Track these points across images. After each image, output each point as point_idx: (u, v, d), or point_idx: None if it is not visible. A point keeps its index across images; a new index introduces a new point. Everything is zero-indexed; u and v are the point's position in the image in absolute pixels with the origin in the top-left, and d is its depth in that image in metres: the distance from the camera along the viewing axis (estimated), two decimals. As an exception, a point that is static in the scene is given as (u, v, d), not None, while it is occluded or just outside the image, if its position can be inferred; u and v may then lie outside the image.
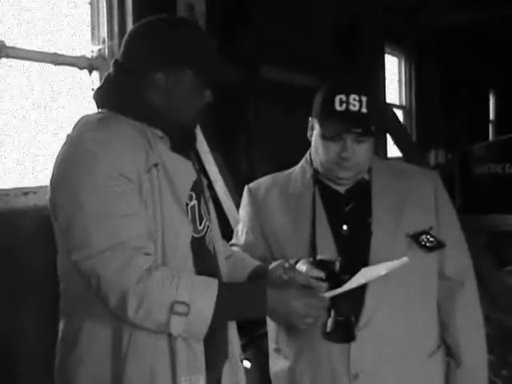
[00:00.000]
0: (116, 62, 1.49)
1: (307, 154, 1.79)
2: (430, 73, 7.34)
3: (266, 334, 1.88)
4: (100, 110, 1.47)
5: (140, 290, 1.29)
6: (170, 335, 1.35)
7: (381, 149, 5.61)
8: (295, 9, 4.27)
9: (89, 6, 2.77)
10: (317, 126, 1.67)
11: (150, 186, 1.36)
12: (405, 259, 1.48)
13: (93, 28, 2.79)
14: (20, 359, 2.25)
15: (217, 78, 1.53)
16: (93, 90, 2.51)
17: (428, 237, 1.66)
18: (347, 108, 1.60)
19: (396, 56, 6.88)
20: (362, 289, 1.55)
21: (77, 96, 2.66)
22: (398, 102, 6.91)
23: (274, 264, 1.59)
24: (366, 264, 1.59)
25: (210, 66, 1.49)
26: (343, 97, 1.60)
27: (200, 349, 1.39)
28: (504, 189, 5.94)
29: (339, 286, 1.47)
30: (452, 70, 8.00)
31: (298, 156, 1.85)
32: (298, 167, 1.82)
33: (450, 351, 1.75)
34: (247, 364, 2.43)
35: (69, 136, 1.40)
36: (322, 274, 1.50)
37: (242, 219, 1.84)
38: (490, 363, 1.79)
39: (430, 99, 7.39)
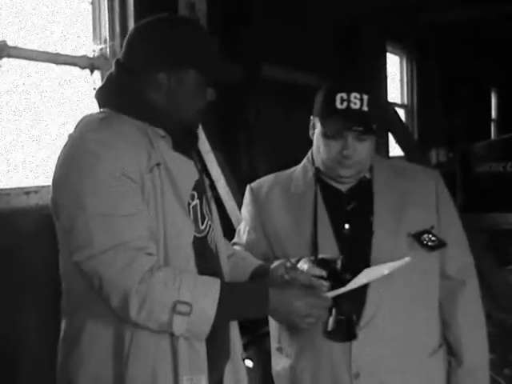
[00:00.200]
0: (118, 61, 1.49)
1: (309, 153, 1.79)
2: (431, 71, 7.33)
3: (267, 333, 1.88)
4: (102, 110, 1.47)
5: (142, 290, 1.29)
6: (172, 335, 1.35)
7: (382, 148, 5.61)
8: (295, 8, 4.27)
9: (90, 6, 2.78)
10: (318, 125, 1.67)
11: (152, 185, 1.36)
12: (407, 259, 1.48)
13: (94, 27, 2.79)
14: (22, 359, 2.26)
15: (219, 77, 1.53)
16: (94, 89, 2.52)
17: (429, 236, 1.66)
18: (348, 106, 1.60)
19: (397, 55, 6.88)
20: (363, 288, 1.55)
21: (78, 96, 2.67)
22: (399, 101, 6.90)
23: (275, 263, 1.59)
24: (367, 263, 1.59)
25: (212, 65, 1.49)
26: (344, 95, 1.60)
27: (202, 348, 1.39)
28: (505, 187, 5.92)
29: (341, 284, 1.47)
30: (453, 68, 8.00)
31: (299, 155, 1.85)
32: (299, 166, 1.82)
33: (451, 350, 1.75)
34: (249, 363, 2.44)
35: (71, 136, 1.40)
36: (323, 273, 1.50)
37: (244, 218, 1.85)
38: (491, 362, 1.79)
39: (432, 98, 7.38)
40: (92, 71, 2.69)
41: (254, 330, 2.49)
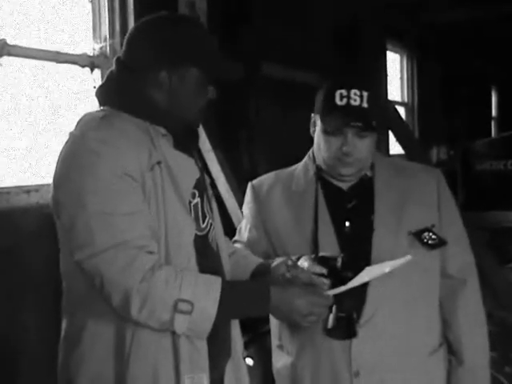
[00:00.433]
0: (118, 59, 1.49)
1: (310, 151, 1.79)
2: (431, 69, 7.32)
3: (268, 332, 1.88)
4: (102, 108, 1.46)
5: (143, 289, 1.29)
6: (173, 333, 1.35)
7: (383, 146, 5.60)
8: (295, 7, 4.27)
9: (90, 4, 2.77)
10: (318, 122, 1.67)
11: (153, 184, 1.36)
12: (408, 257, 1.48)
13: (94, 26, 2.79)
14: (22, 359, 2.26)
15: (220, 75, 1.53)
16: (94, 87, 2.51)
17: (430, 234, 1.65)
18: (348, 102, 1.60)
19: (398, 53, 6.87)
20: (363, 286, 1.55)
21: (78, 94, 2.66)
22: (399, 99, 6.90)
23: (276, 262, 1.59)
24: (368, 261, 1.59)
25: (213, 63, 1.49)
26: (344, 92, 1.61)
27: (203, 347, 1.39)
28: (506, 185, 5.92)
29: (341, 282, 1.47)
30: (454, 66, 7.99)
31: (299, 153, 1.85)
32: (301, 164, 1.82)
33: (451, 349, 1.74)
34: (249, 361, 2.44)
35: (71, 134, 1.39)
36: (323, 271, 1.50)
37: (245, 216, 1.85)
38: (492, 360, 1.79)
39: (432, 96, 7.38)
40: (92, 69, 2.69)
41: (254, 329, 2.49)
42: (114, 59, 1.50)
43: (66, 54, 2.59)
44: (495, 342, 1.93)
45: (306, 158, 1.81)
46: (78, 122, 1.41)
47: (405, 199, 1.69)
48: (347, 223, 1.67)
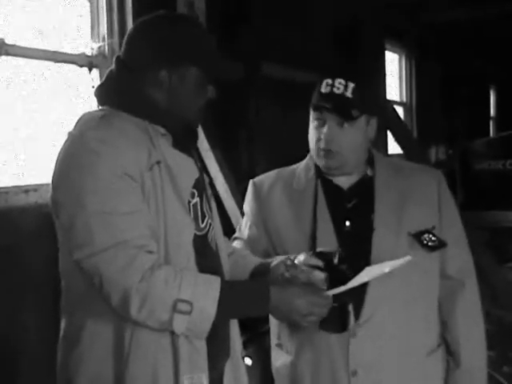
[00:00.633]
0: (118, 59, 1.48)
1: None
2: (430, 69, 7.33)
3: (266, 332, 1.88)
4: (102, 107, 1.46)
5: (143, 288, 1.29)
6: (172, 333, 1.35)
7: (382, 146, 5.60)
8: (295, 7, 4.26)
9: (88, 4, 2.77)
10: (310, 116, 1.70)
11: (153, 183, 1.36)
12: (408, 258, 1.48)
13: (93, 25, 2.79)
14: (21, 358, 2.25)
15: (219, 74, 1.53)
16: (93, 87, 2.51)
17: (430, 236, 1.65)
18: (331, 90, 1.63)
19: (396, 53, 6.88)
20: (363, 286, 1.55)
21: (77, 94, 2.66)
22: (398, 99, 6.90)
23: (275, 262, 1.59)
24: (367, 261, 1.59)
25: (213, 62, 1.49)
26: (329, 80, 1.65)
27: (202, 347, 1.39)
28: (505, 185, 5.93)
29: (338, 276, 1.47)
30: (452, 66, 7.99)
31: (298, 153, 1.85)
32: (303, 163, 1.82)
33: (449, 350, 1.74)
34: (248, 361, 2.44)
35: (70, 134, 1.39)
36: (320, 263, 1.50)
37: (245, 213, 1.85)
38: (490, 360, 1.79)
39: (431, 96, 7.38)
40: (90, 69, 2.69)
41: (253, 328, 2.49)
42: (114, 59, 1.50)
43: (65, 53, 2.59)
44: (493, 341, 1.94)
45: (307, 157, 1.81)
46: (77, 122, 1.41)
47: (405, 199, 1.69)
48: (347, 222, 1.67)
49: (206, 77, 1.47)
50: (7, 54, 2.32)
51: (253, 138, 3.78)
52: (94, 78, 2.70)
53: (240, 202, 2.94)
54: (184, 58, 1.44)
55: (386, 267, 1.48)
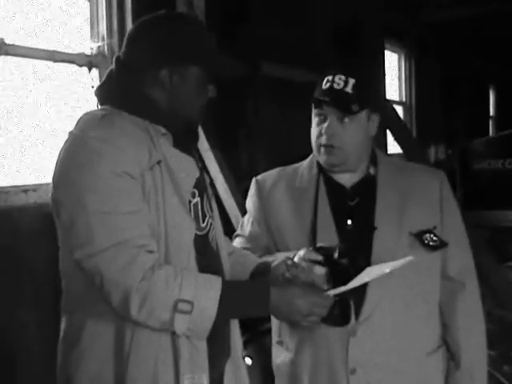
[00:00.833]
0: (118, 58, 1.48)
1: None
2: (430, 69, 7.33)
3: (266, 331, 1.88)
4: (102, 107, 1.46)
5: (143, 288, 1.28)
6: (173, 333, 1.34)
7: (381, 145, 5.60)
8: (295, 7, 4.26)
9: (88, 3, 2.77)
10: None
11: (153, 183, 1.36)
12: (409, 258, 1.47)
13: (92, 25, 2.79)
14: (21, 357, 2.25)
15: (221, 73, 1.52)
16: (92, 87, 2.51)
17: (431, 236, 1.65)
18: (331, 86, 1.64)
19: (396, 52, 6.88)
20: (363, 285, 1.54)
21: (76, 93, 2.66)
22: (397, 98, 6.90)
23: (276, 262, 1.59)
24: (368, 260, 1.59)
25: (213, 61, 1.48)
26: (330, 77, 1.65)
27: (203, 347, 1.38)
28: (504, 184, 5.93)
29: (338, 271, 1.47)
30: (452, 66, 8.00)
31: (298, 152, 1.85)
32: (306, 161, 1.82)
33: (450, 351, 1.74)
34: (248, 361, 2.43)
35: (71, 133, 1.39)
36: (319, 258, 1.50)
37: (248, 210, 1.85)
38: (491, 359, 1.79)
39: (430, 95, 7.38)
40: (90, 69, 2.69)
41: (253, 328, 2.48)
42: (114, 58, 1.49)
43: (64, 53, 2.59)
44: (494, 341, 1.94)
45: (311, 156, 1.81)
46: (78, 121, 1.40)
47: (407, 199, 1.69)
48: (349, 221, 1.67)
49: (206, 76, 1.47)
50: (7, 53, 2.32)
51: (252, 137, 3.78)
52: (94, 77, 2.70)
53: (240, 202, 2.94)
54: (185, 58, 1.44)
55: (386, 267, 1.48)
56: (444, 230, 1.68)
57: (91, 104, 2.56)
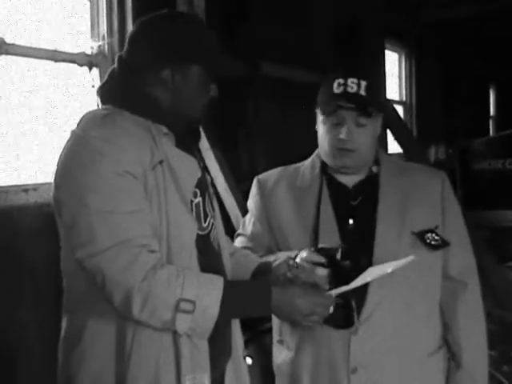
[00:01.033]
0: (120, 58, 1.48)
1: (318, 149, 1.80)
2: (430, 68, 7.32)
3: (267, 331, 1.88)
4: (104, 106, 1.46)
5: (145, 288, 1.28)
6: (174, 333, 1.34)
7: (381, 145, 5.59)
8: (295, 7, 4.26)
9: (88, 3, 2.77)
10: (319, 116, 1.69)
11: (155, 183, 1.36)
12: (411, 258, 1.47)
13: (92, 25, 2.78)
14: (21, 357, 2.25)
15: (221, 71, 1.52)
16: (93, 86, 2.51)
17: (433, 235, 1.65)
18: (345, 90, 1.62)
19: (396, 52, 6.87)
20: (365, 285, 1.54)
21: (77, 93, 2.66)
22: (398, 98, 6.90)
23: (277, 261, 1.59)
24: (370, 259, 1.59)
25: (215, 60, 1.48)
26: (341, 80, 1.63)
27: (204, 347, 1.39)
28: (504, 184, 5.93)
29: (341, 272, 1.47)
30: (452, 65, 7.99)
31: (298, 152, 1.85)
32: (308, 161, 1.82)
33: (451, 352, 1.74)
34: (249, 360, 2.43)
35: (73, 132, 1.38)
36: (322, 260, 1.50)
37: (249, 209, 1.85)
38: (491, 359, 1.79)
39: (431, 95, 7.37)
40: (90, 68, 2.68)
41: (253, 327, 2.48)
42: (116, 58, 1.49)
43: (64, 52, 2.58)
44: (494, 341, 1.94)
45: (313, 155, 1.81)
46: (80, 121, 1.40)
47: (409, 199, 1.69)
48: (351, 220, 1.67)
49: (208, 75, 1.47)
50: (7, 53, 2.32)
51: (252, 137, 3.78)
52: (94, 77, 2.69)
53: (240, 201, 2.94)
54: (186, 57, 1.44)
55: (388, 267, 1.48)
56: (445, 229, 1.68)
57: (92, 103, 2.56)
